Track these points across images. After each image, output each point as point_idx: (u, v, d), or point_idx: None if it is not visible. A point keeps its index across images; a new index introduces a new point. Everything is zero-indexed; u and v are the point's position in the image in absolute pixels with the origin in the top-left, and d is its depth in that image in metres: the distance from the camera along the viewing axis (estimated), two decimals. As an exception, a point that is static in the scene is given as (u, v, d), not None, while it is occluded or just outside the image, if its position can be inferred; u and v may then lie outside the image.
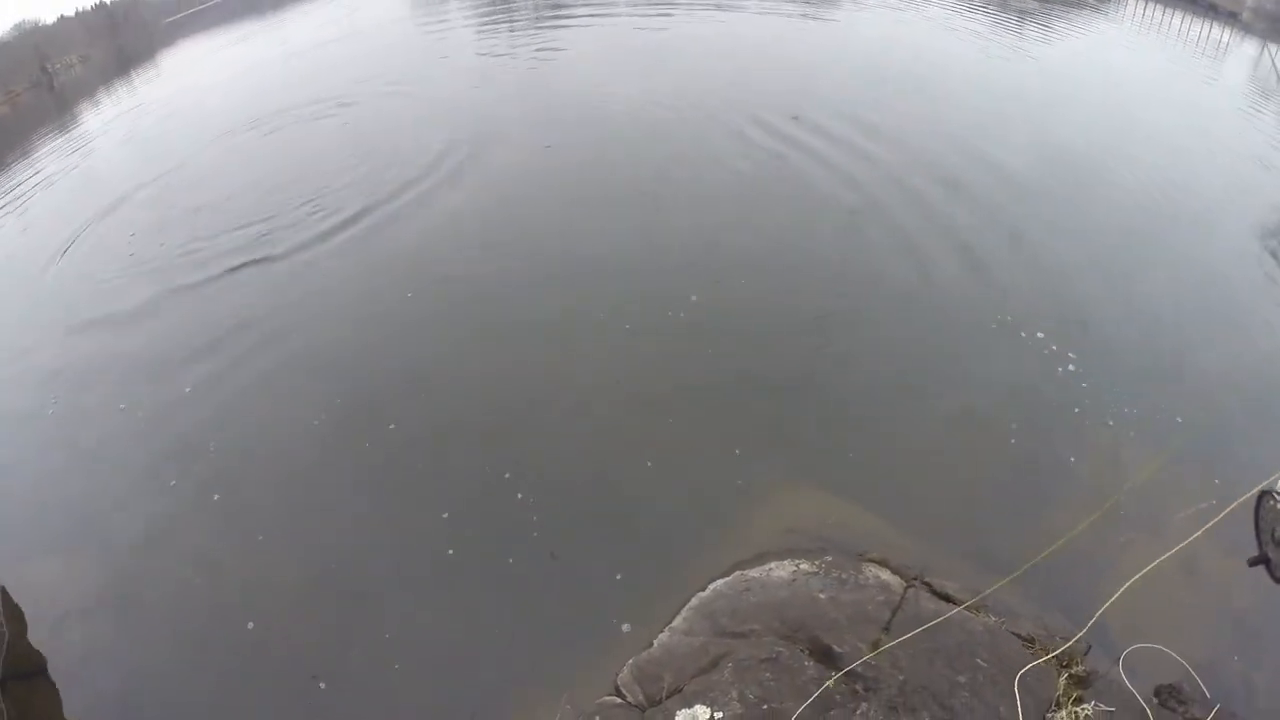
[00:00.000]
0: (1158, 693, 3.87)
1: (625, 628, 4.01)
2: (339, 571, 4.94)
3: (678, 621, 3.84)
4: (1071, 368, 5.62)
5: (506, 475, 5.00)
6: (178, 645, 4.95)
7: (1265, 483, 2.40)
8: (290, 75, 20.65)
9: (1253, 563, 1.41)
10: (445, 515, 4.90)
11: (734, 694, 3.33)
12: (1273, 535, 0.99)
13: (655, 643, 3.78)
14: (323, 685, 4.32)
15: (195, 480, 5.87)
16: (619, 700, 3.59)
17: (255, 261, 8.71)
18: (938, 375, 5.72)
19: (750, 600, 3.84)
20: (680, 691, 3.42)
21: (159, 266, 9.26)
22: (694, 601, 3.92)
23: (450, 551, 4.72)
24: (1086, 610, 4.13)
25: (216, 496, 5.72)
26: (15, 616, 5.59)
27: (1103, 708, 3.61)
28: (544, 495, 4.86)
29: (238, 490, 5.74)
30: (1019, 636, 3.89)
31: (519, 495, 4.84)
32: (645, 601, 4.08)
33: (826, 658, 3.57)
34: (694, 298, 6.54)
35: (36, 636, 5.42)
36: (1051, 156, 9.36)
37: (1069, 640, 3.84)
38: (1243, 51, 18.06)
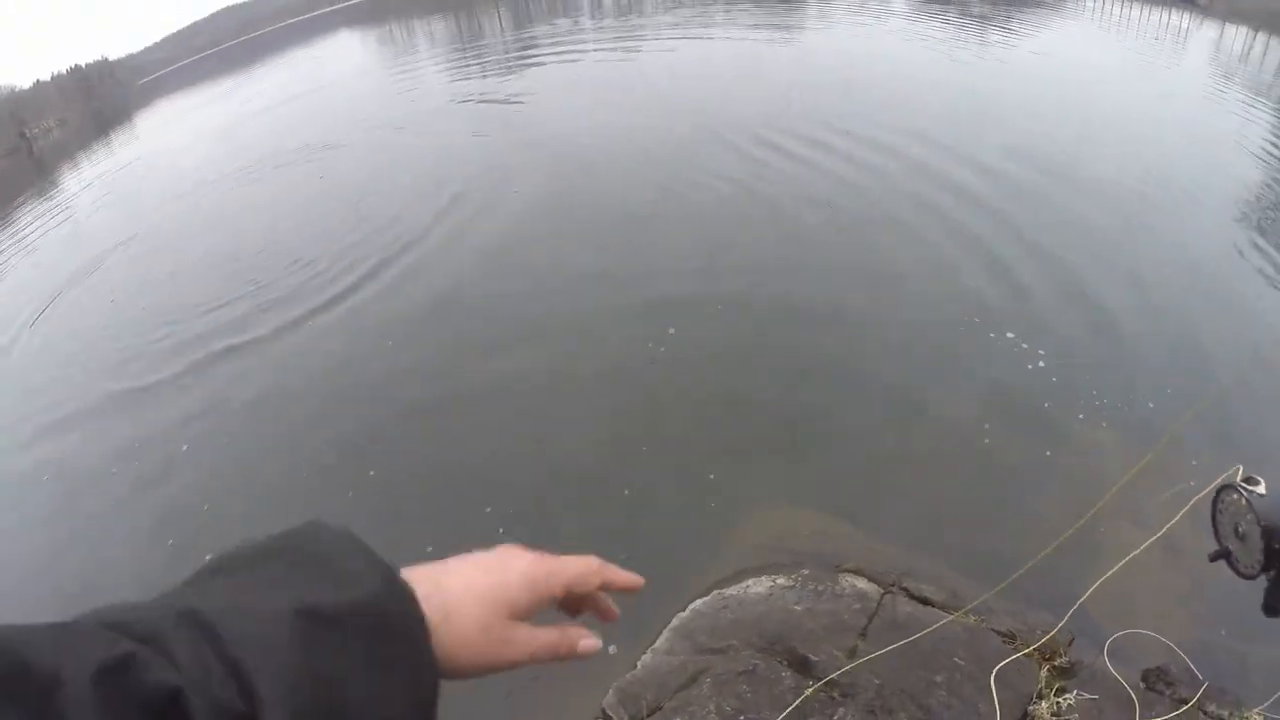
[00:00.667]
0: (1145, 677, 3.88)
1: (611, 649, 4.10)
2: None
3: (659, 642, 3.93)
4: (1042, 364, 5.70)
5: (487, 510, 5.13)
6: None
7: (1224, 476, 2.51)
8: (269, 128, 21.19)
9: (1213, 558, 1.47)
10: (429, 549, 5.03)
11: (711, 707, 3.41)
12: (1235, 530, 1.02)
13: (639, 664, 3.87)
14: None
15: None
16: (605, 722, 3.68)
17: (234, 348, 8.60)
18: (910, 379, 5.81)
19: (728, 617, 3.93)
20: (660, 709, 3.50)
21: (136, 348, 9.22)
22: (674, 622, 4.00)
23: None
24: (1068, 602, 4.18)
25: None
26: None
27: (1086, 696, 3.64)
28: (522, 526, 4.99)
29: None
30: (998, 633, 3.93)
31: (500, 530, 4.98)
32: (629, 626, 4.16)
33: (804, 668, 3.64)
34: (671, 330, 6.69)
35: None
36: (1024, 154, 9.52)
37: (1049, 632, 3.89)
38: (1203, 35, 18.31)
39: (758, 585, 4.11)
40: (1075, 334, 6.12)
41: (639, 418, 5.77)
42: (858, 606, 3.95)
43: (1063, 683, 3.74)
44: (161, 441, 6.98)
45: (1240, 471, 1.16)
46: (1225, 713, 3.58)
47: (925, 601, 4.08)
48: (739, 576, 4.23)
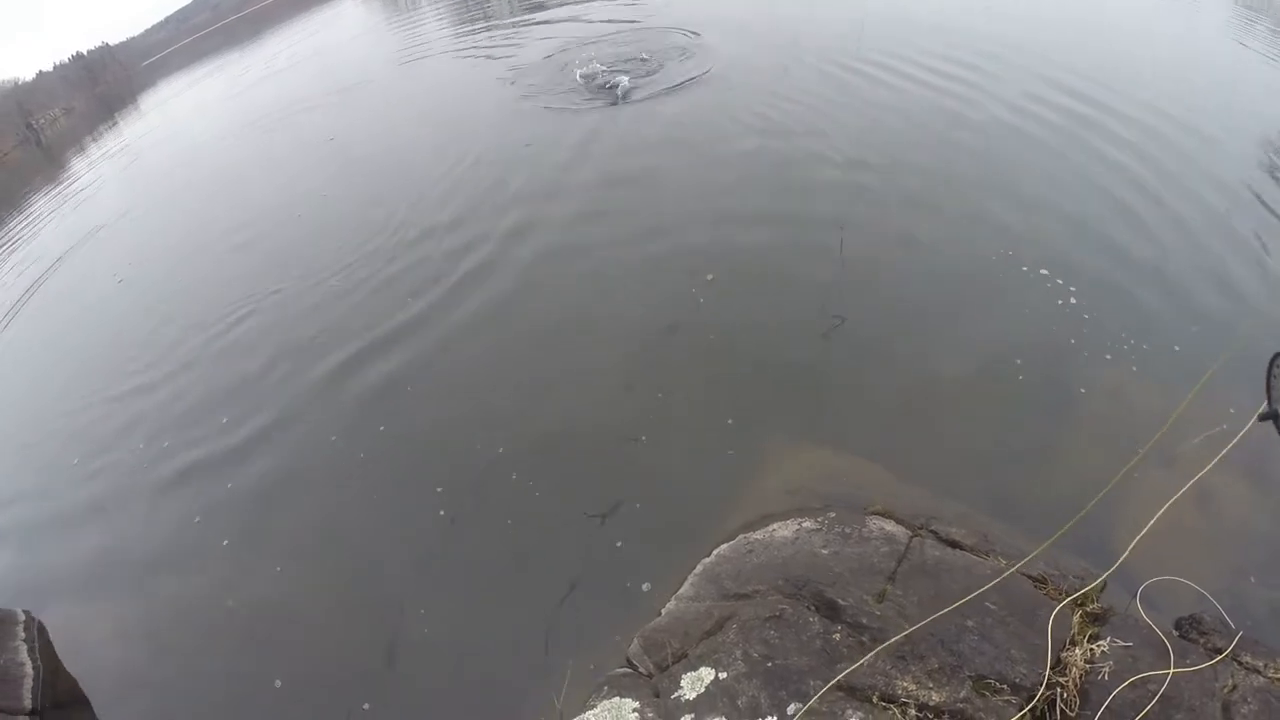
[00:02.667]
0: (1178, 625, 3.79)
1: (645, 586, 4.07)
2: (364, 576, 5.06)
3: (684, 589, 3.85)
4: (1074, 300, 5.49)
5: (500, 450, 5.05)
6: (210, 677, 5.12)
7: None
8: (274, 102, 20.72)
9: (1263, 417, 1.46)
10: (439, 489, 5.04)
11: (738, 654, 3.34)
12: None
13: (663, 611, 3.80)
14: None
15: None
16: (630, 670, 3.62)
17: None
18: (940, 316, 5.61)
19: (753, 561, 3.84)
20: (686, 656, 3.44)
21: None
22: (699, 568, 3.92)
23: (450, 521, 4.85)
24: (1101, 548, 4.07)
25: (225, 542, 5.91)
26: (50, 656, 5.85)
27: (1120, 643, 3.55)
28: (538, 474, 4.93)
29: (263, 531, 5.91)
30: (1029, 577, 3.84)
31: (513, 475, 4.90)
32: (652, 570, 4.12)
33: (832, 611, 3.56)
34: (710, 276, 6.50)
35: (73, 670, 5.68)
36: (1050, 99, 9.12)
37: (1087, 582, 3.79)
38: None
39: (784, 529, 4.01)
40: (1107, 272, 5.88)
41: (654, 363, 5.64)
42: (886, 549, 3.85)
43: (1095, 629, 3.65)
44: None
45: None
46: (1261, 664, 3.48)
47: (955, 544, 3.98)
48: (764, 521, 4.14)
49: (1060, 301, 5.54)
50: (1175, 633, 3.70)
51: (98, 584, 6.14)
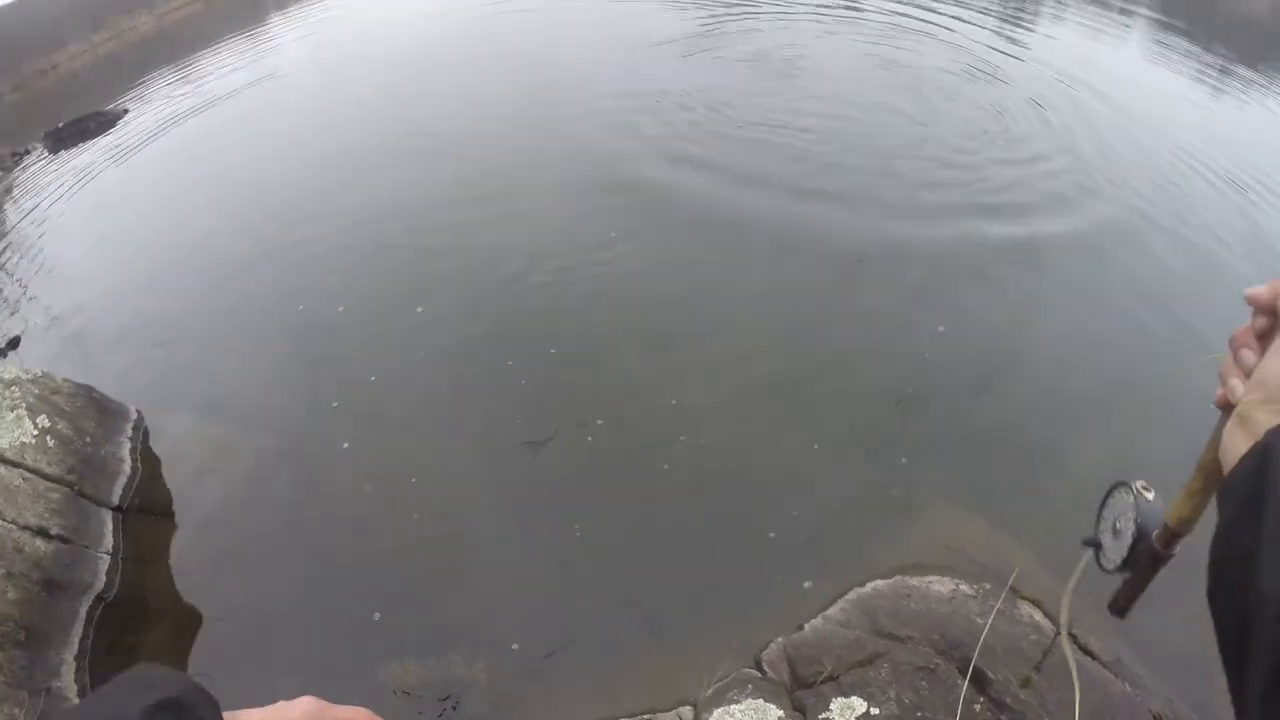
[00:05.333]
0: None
1: (807, 585, 4.19)
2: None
3: (833, 611, 3.96)
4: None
5: (665, 467, 5.15)
6: (302, 527, 5.30)
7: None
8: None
9: (1085, 543, 1.49)
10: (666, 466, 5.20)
11: (891, 694, 3.46)
12: (1114, 525, 1.07)
13: (806, 627, 3.91)
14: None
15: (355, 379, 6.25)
16: (759, 674, 3.76)
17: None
18: (1105, 414, 5.55)
19: (911, 607, 3.93)
20: (836, 680, 3.56)
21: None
22: (852, 595, 4.02)
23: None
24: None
25: (373, 378, 6.07)
26: (151, 459, 6.06)
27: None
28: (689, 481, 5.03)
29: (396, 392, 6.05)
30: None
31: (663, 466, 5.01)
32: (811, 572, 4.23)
33: (978, 682, 3.66)
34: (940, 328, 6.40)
35: (169, 482, 5.86)
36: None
37: None
38: None
39: (940, 585, 4.09)
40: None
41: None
42: (1034, 638, 3.94)
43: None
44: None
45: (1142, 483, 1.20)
46: None
47: (1090, 655, 4.05)
48: (920, 570, 4.22)
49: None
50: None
51: (216, 413, 6.31)
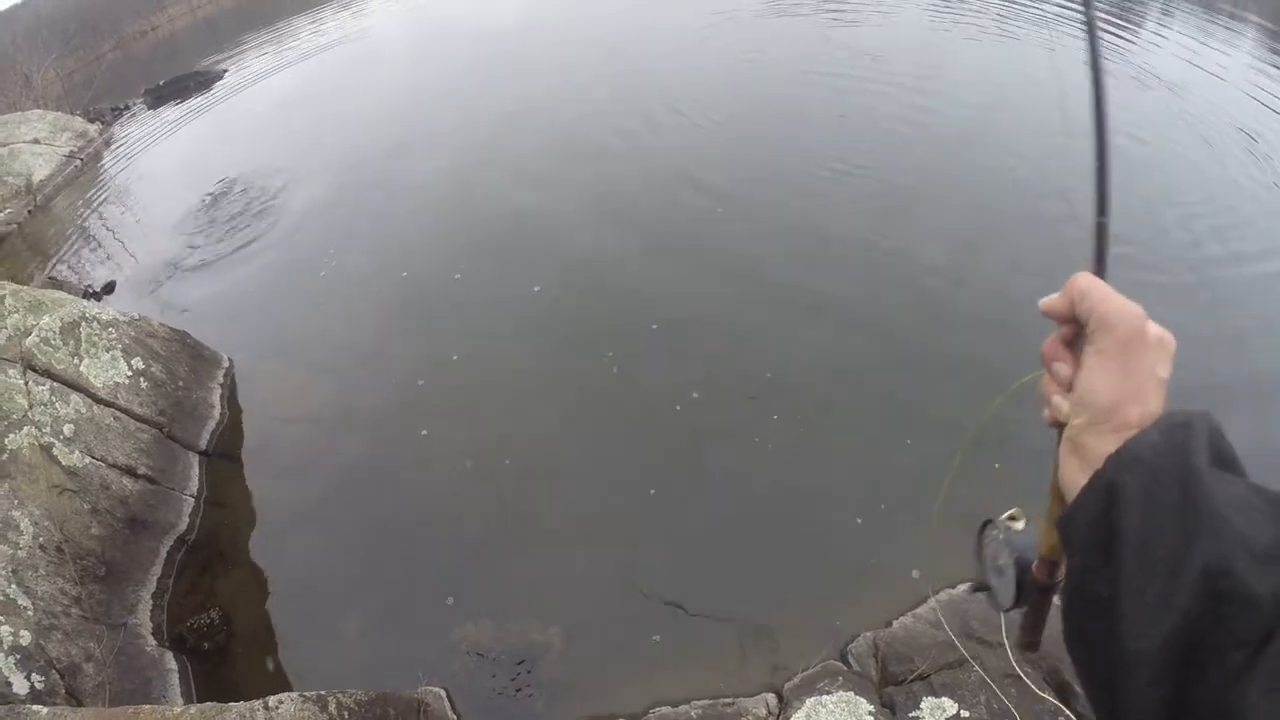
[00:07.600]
0: None
1: (915, 574, 4.11)
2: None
3: (923, 610, 3.86)
4: None
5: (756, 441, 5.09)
6: (380, 485, 5.35)
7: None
8: None
9: (973, 589, 1.38)
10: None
11: (982, 699, 3.36)
12: (995, 563, 0.96)
13: (895, 624, 3.82)
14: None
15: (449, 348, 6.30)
16: (845, 667, 3.68)
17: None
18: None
19: (1001, 616, 3.80)
20: (927, 679, 3.47)
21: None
22: (943, 595, 3.91)
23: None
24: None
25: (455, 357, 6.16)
26: (237, 408, 6.21)
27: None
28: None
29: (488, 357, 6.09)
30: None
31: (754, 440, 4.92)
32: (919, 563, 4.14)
33: (1062, 696, 3.52)
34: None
35: (254, 432, 5.98)
36: None
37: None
38: None
39: (1034, 594, 3.94)
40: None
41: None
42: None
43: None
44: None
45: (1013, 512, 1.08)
46: None
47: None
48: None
49: None
50: None
51: (305, 368, 6.44)
